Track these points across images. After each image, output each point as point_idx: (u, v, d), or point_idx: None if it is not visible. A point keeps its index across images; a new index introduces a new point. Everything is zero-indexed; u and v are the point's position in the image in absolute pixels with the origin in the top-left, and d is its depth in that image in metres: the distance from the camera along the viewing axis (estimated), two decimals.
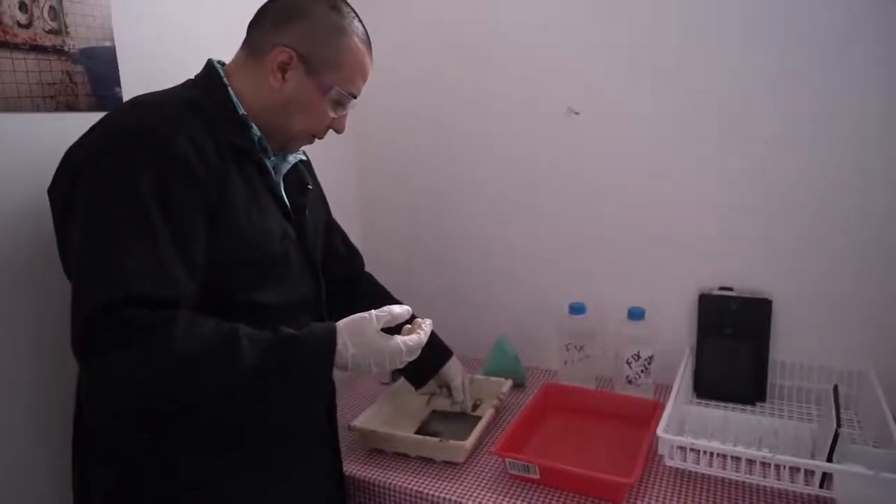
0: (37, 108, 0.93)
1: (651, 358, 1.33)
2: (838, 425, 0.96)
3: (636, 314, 1.33)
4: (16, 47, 0.90)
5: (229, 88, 0.89)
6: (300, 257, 0.95)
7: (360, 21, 0.94)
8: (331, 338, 0.83)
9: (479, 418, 1.23)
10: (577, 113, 1.42)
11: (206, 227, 0.79)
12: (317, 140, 0.97)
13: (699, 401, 1.32)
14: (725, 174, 1.31)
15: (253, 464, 0.89)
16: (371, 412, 1.26)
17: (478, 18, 1.47)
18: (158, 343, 0.71)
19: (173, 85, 0.90)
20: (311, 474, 0.98)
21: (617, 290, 1.43)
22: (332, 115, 0.94)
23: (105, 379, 0.72)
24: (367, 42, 0.95)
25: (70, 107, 0.97)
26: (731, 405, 1.29)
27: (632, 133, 1.37)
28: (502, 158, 1.52)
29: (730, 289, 1.34)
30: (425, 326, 0.93)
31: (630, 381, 1.35)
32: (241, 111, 0.88)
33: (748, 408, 1.28)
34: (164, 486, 0.83)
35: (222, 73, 0.90)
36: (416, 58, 1.57)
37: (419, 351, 0.90)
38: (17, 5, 0.90)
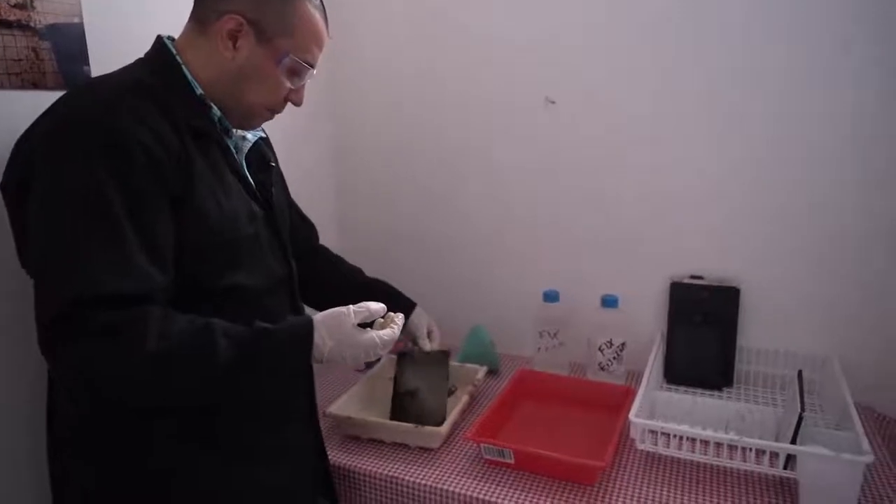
0: (2, 86, 0.90)
1: (623, 345, 1.35)
2: (802, 409, 0.99)
3: (609, 302, 1.36)
4: None
5: (183, 67, 0.85)
6: (269, 237, 0.93)
7: None
8: (308, 332, 0.83)
9: (444, 386, 1.23)
10: (553, 102, 1.42)
11: (172, 214, 0.77)
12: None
13: (669, 386, 1.35)
14: (697, 168, 1.33)
15: (234, 450, 0.88)
16: (346, 398, 1.26)
17: (461, 10, 1.47)
18: (129, 342, 0.70)
19: None
20: (294, 458, 0.98)
21: (591, 278, 1.45)
22: (288, 85, 0.90)
23: (76, 378, 0.71)
24: (322, 8, 0.92)
25: (36, 84, 0.94)
26: (699, 390, 1.32)
27: (606, 126, 1.39)
28: (479, 150, 1.52)
29: (700, 277, 1.37)
30: (398, 321, 0.95)
31: (602, 368, 1.37)
32: (199, 90, 0.85)
33: (716, 393, 1.32)
34: (144, 476, 0.82)
35: (174, 50, 0.86)
36: (398, 48, 1.56)
37: (392, 344, 0.91)
38: None
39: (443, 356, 1.26)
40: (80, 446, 0.82)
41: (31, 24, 0.93)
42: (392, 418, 1.20)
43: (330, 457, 1.13)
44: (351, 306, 0.88)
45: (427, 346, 1.25)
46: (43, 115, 0.80)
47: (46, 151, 0.74)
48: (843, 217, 1.25)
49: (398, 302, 1.22)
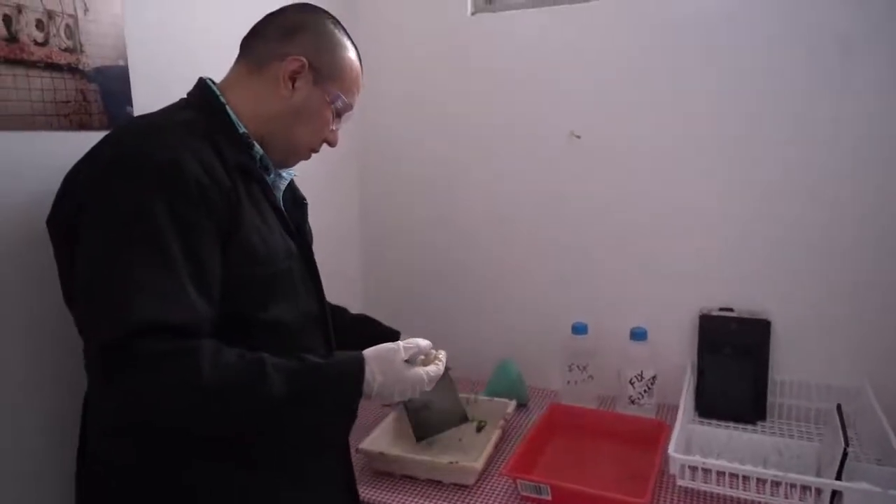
0: (51, 127, 0.92)
1: (654, 378, 1.35)
2: (846, 444, 0.98)
3: (638, 334, 1.35)
4: (32, 65, 0.89)
5: (227, 107, 0.88)
6: (303, 273, 0.95)
7: (351, 38, 0.98)
8: (360, 368, 0.84)
9: (451, 388, 1.24)
10: (578, 137, 1.44)
11: (220, 248, 0.79)
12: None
13: (701, 420, 1.33)
14: (726, 198, 1.34)
15: (266, 474, 0.87)
16: (377, 433, 1.25)
17: (481, 44, 1.50)
18: (184, 372, 0.71)
19: None
20: (324, 485, 0.97)
21: (619, 310, 1.45)
22: (332, 126, 0.96)
23: (130, 407, 0.71)
24: (359, 56, 0.98)
25: (83, 125, 0.96)
26: (732, 424, 1.31)
27: (633, 156, 1.40)
28: (505, 182, 1.54)
29: (730, 309, 1.36)
30: (441, 357, 0.98)
31: (633, 401, 1.36)
32: (242, 129, 0.88)
33: (749, 427, 1.30)
34: (175, 494, 0.81)
35: (217, 91, 0.89)
36: (420, 85, 1.59)
37: (437, 380, 0.93)
38: (35, 23, 0.89)
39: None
40: (114, 464, 0.82)
41: (80, 67, 0.96)
42: (418, 437, 1.21)
43: (363, 493, 1.12)
44: (401, 342, 0.90)
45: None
46: (90, 152, 0.81)
47: (101, 187, 0.75)
48: (877, 246, 1.25)
49: (386, 333, 1.23)
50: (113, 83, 1.01)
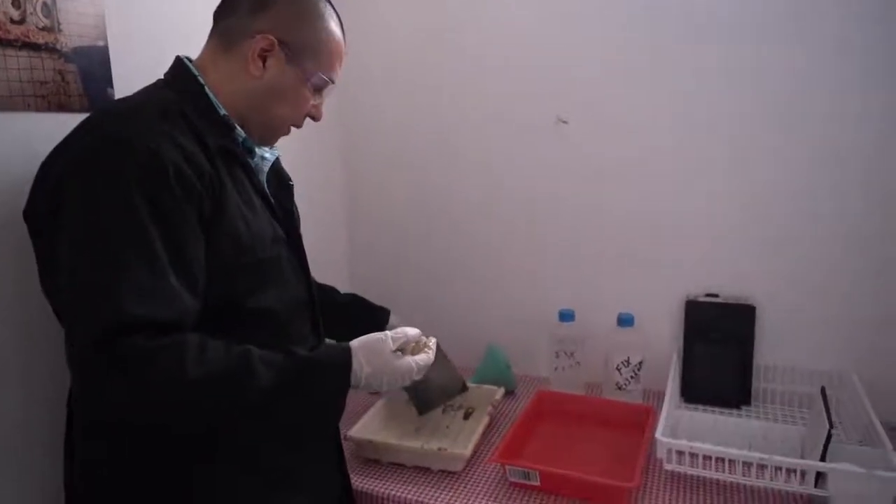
0: (29, 108, 0.89)
1: (640, 364, 1.35)
2: (831, 426, 0.99)
3: (625, 320, 1.36)
4: (8, 44, 0.86)
5: (205, 88, 0.85)
6: (291, 258, 0.93)
7: (332, 5, 0.93)
8: (347, 359, 0.83)
9: (445, 361, 1.24)
10: (565, 122, 1.44)
11: (203, 237, 0.77)
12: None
13: (687, 405, 1.34)
14: (712, 185, 1.35)
15: (257, 471, 0.86)
16: (365, 421, 1.25)
17: (470, 25, 1.48)
18: (169, 369, 0.69)
19: None
20: (318, 479, 0.96)
21: (606, 296, 1.45)
22: (312, 102, 0.92)
23: (114, 401, 0.70)
24: (341, 25, 0.94)
25: (62, 106, 0.94)
26: (718, 409, 1.32)
27: (620, 143, 1.40)
28: (491, 168, 1.53)
29: (715, 295, 1.37)
30: (431, 344, 0.96)
31: (620, 387, 1.37)
32: (223, 111, 0.85)
33: (735, 411, 1.32)
34: (167, 494, 0.80)
35: (195, 71, 0.86)
36: (408, 66, 1.57)
37: (427, 369, 0.92)
38: (10, 1, 0.86)
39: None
40: (112, 472, 0.80)
41: (58, 48, 0.93)
42: (421, 411, 1.21)
43: (352, 480, 1.11)
44: (388, 332, 0.89)
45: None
46: (67, 139, 0.78)
47: (79, 177, 0.73)
48: (860, 232, 1.26)
49: (375, 312, 1.25)
50: (92, 64, 0.98)
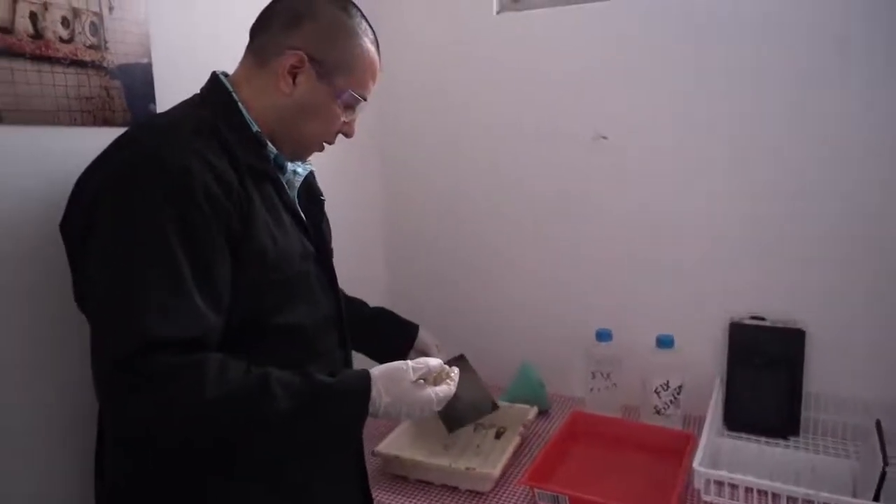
0: (75, 122, 0.93)
1: (680, 388, 1.30)
2: (885, 462, 0.92)
3: (665, 342, 1.31)
4: (57, 61, 0.90)
5: (239, 104, 0.86)
6: (320, 274, 0.93)
7: (368, 21, 0.92)
8: (366, 388, 0.82)
9: (476, 379, 1.23)
10: (605, 138, 1.41)
11: (230, 255, 0.77)
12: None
13: (730, 433, 1.28)
14: (759, 200, 1.29)
15: (275, 487, 0.86)
16: (394, 437, 1.24)
17: (506, 43, 1.48)
18: (188, 389, 0.70)
19: None
20: (332, 498, 0.95)
21: (645, 316, 1.40)
22: (343, 119, 0.91)
23: (131, 420, 0.71)
24: (376, 42, 0.93)
25: (107, 121, 0.97)
26: (763, 439, 1.25)
27: (660, 158, 1.36)
28: (528, 185, 1.51)
29: (762, 318, 1.31)
30: (453, 375, 0.94)
31: (658, 412, 1.32)
32: (255, 128, 0.86)
33: (781, 442, 1.25)
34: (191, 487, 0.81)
35: (230, 87, 0.87)
36: (444, 85, 1.57)
37: (447, 401, 0.90)
38: (60, 20, 0.90)
39: (460, 359, 1.25)
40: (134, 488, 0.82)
41: (104, 65, 0.96)
42: (449, 429, 1.18)
43: (377, 497, 1.10)
44: (410, 362, 0.87)
45: (441, 356, 1.23)
46: (103, 155, 0.80)
47: (112, 194, 0.74)
48: None
49: (404, 327, 1.24)
50: (136, 80, 1.02)
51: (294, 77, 0.86)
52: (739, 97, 1.27)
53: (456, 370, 0.95)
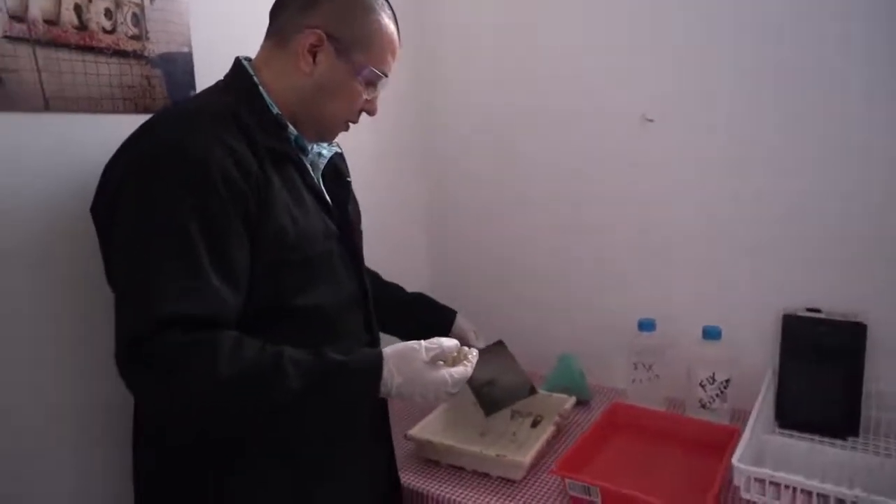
0: (116, 110, 0.97)
1: (727, 381, 1.24)
2: None
3: (712, 333, 1.25)
4: (100, 51, 0.95)
5: (260, 87, 0.87)
6: (344, 254, 0.93)
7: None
8: (377, 365, 0.82)
9: (514, 364, 1.24)
10: (651, 120, 1.35)
11: (248, 236, 0.78)
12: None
13: (782, 431, 1.21)
14: (814, 182, 1.21)
15: (299, 463, 0.88)
16: (428, 421, 1.24)
17: (550, 23, 1.44)
18: (201, 365, 0.72)
19: None
20: (362, 476, 0.96)
21: (691, 306, 1.35)
22: (364, 96, 0.91)
23: (148, 399, 0.74)
24: (395, 18, 0.92)
25: (147, 109, 1.01)
26: (818, 438, 1.18)
27: (709, 142, 1.30)
28: (571, 171, 1.47)
29: (818, 310, 1.23)
30: (471, 357, 0.92)
31: (704, 405, 1.26)
32: (276, 110, 0.87)
33: (838, 442, 1.17)
34: (210, 480, 0.83)
35: (251, 71, 0.88)
36: (487, 70, 1.55)
37: (464, 382, 0.89)
38: (103, 12, 0.94)
39: (499, 345, 1.26)
40: (155, 449, 0.86)
41: (146, 54, 1.01)
42: (487, 412, 1.17)
43: (406, 480, 1.11)
44: (423, 342, 0.86)
45: (480, 343, 1.24)
46: (128, 142, 0.83)
47: (135, 182, 0.77)
48: None
49: (440, 312, 1.23)
50: (177, 69, 1.06)
51: (314, 56, 0.86)
52: (800, 79, 1.19)
53: (475, 352, 0.93)
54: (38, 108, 0.88)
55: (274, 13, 0.91)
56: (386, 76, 0.92)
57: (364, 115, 0.96)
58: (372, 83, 0.91)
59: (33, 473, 0.92)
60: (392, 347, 0.86)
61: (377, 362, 0.82)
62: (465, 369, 0.88)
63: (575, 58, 1.42)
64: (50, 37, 0.88)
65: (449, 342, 0.89)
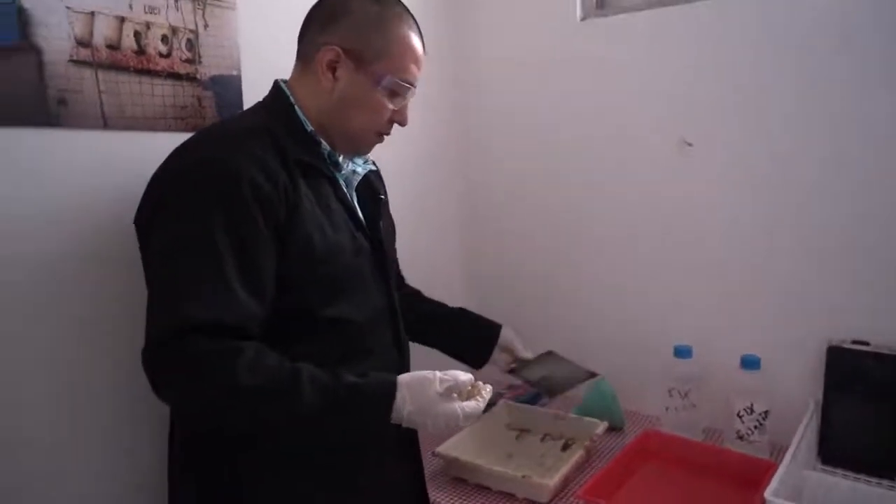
0: (169, 128, 1.03)
1: (766, 413, 1.20)
2: None
3: (750, 362, 1.21)
4: (156, 74, 1.01)
5: (295, 107, 0.90)
6: (373, 269, 0.95)
7: (408, 10, 0.93)
8: (390, 392, 0.83)
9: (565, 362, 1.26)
10: (690, 144, 1.34)
11: (276, 248, 0.81)
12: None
13: (824, 467, 1.16)
14: (860, 209, 1.17)
15: (326, 475, 0.89)
16: (457, 439, 1.24)
17: (589, 50, 1.45)
18: (221, 372, 0.74)
19: None
20: (389, 489, 0.97)
21: (730, 334, 1.31)
22: (390, 106, 0.92)
23: (167, 397, 0.77)
24: (415, 27, 0.93)
25: (197, 127, 1.06)
26: (863, 476, 1.12)
27: (750, 168, 1.27)
28: (610, 195, 1.47)
29: (865, 343, 1.18)
30: (485, 393, 0.92)
31: (741, 437, 1.22)
32: (310, 128, 0.90)
33: (885, 481, 1.11)
34: (244, 488, 0.86)
35: (287, 91, 0.91)
36: (527, 94, 1.56)
37: (475, 418, 0.88)
38: (160, 37, 1.01)
39: (548, 353, 1.27)
40: (187, 465, 0.89)
41: (198, 77, 1.07)
42: (550, 396, 1.21)
43: (433, 496, 1.12)
44: (438, 373, 0.87)
45: (528, 354, 1.25)
46: (169, 158, 0.87)
47: (171, 192, 0.81)
48: None
49: (483, 326, 1.23)
50: (226, 91, 1.11)
51: (333, 71, 0.89)
52: (845, 105, 1.16)
53: (489, 387, 0.92)
54: (98, 125, 0.95)
55: (301, 35, 0.94)
56: (411, 85, 0.93)
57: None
58: (396, 92, 0.92)
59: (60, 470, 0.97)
60: (408, 375, 0.86)
61: (390, 389, 0.83)
62: (476, 405, 0.88)
63: (617, 75, 1.42)
64: (111, 61, 0.95)
65: (464, 376, 0.88)
